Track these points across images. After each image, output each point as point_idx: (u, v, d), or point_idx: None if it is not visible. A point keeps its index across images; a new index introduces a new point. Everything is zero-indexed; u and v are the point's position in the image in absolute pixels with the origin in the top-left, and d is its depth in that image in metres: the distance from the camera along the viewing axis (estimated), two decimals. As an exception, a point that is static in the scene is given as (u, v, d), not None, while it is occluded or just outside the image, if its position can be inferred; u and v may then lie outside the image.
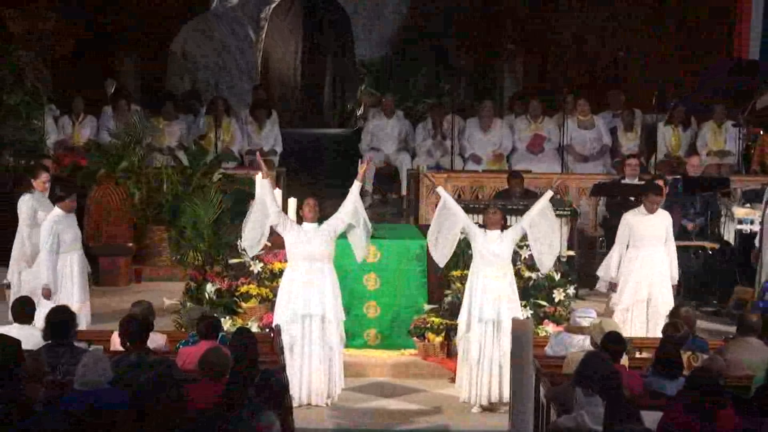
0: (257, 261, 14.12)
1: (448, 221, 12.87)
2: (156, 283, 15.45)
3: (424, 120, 19.77)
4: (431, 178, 17.09)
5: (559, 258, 14.79)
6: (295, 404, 11.84)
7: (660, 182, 15.72)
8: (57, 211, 13.26)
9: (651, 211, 13.92)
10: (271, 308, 13.28)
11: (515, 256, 14.42)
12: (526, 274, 14.25)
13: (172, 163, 17.61)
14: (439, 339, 13.71)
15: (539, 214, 12.94)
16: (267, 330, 13.09)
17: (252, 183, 15.66)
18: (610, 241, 16.54)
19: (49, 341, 10.55)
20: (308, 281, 12.55)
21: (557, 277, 14.39)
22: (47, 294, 12.86)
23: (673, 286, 13.94)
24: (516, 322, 11.63)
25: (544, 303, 13.99)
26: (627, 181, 16.99)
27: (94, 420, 8.81)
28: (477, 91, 21.80)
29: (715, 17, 21.30)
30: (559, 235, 13.09)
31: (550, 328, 13.67)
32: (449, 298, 13.91)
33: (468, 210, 16.05)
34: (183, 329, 13.23)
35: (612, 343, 10.65)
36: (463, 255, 14.22)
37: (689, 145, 19.33)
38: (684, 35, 21.81)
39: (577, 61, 22.35)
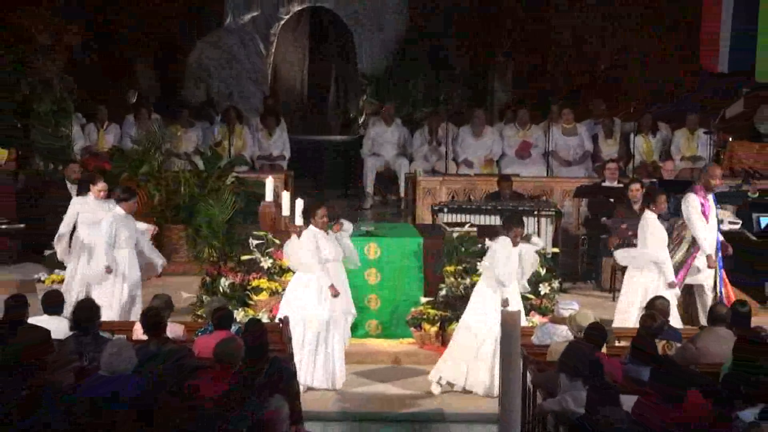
0: (267, 257, 14.14)
1: None
2: (174, 277, 15.45)
3: (421, 127, 19.78)
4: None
5: (544, 254, 14.82)
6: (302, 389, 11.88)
7: (638, 185, 15.77)
8: (119, 210, 13.36)
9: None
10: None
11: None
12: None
13: (188, 168, 17.62)
14: (434, 329, 13.73)
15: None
16: (276, 321, 13.11)
17: (261, 185, 15.70)
18: (591, 240, 16.60)
19: (76, 331, 10.60)
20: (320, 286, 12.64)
21: (543, 271, 14.41)
22: (109, 271, 13.00)
23: None
24: (505, 314, 11.65)
25: (531, 296, 14.01)
26: (607, 184, 17.04)
27: (116, 405, 8.84)
28: (470, 100, 21.81)
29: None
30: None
31: (536, 318, 13.69)
32: (443, 292, 13.93)
33: (461, 211, 16.15)
34: (203, 319, 13.26)
35: (593, 332, 10.69)
36: (456, 252, 14.24)
37: (665, 151, 19.36)
38: (683, 35, 21.80)
39: (576, 60, 22.33)
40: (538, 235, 15.57)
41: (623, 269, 14.98)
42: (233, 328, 11.15)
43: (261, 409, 8.77)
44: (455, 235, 14.57)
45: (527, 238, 12.77)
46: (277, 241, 14.32)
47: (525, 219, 15.79)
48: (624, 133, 19.48)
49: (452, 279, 14.03)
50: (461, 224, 15.31)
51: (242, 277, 14.05)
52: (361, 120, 22.18)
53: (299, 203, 14.42)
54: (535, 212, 15.95)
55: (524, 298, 13.91)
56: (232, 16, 22.15)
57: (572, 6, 22.20)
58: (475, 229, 15.15)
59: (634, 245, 15.34)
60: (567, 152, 19.28)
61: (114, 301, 13.17)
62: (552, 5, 22.22)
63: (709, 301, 13.56)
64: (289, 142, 19.94)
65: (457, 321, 12.98)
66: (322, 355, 12.65)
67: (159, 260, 13.90)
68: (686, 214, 13.56)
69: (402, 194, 19.17)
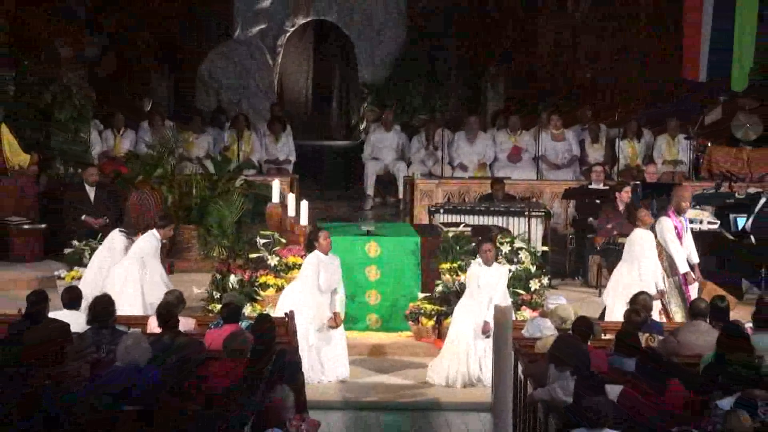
0: (274, 255, 14.12)
1: None
2: (186, 274, 15.42)
3: (418, 133, 19.76)
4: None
5: (534, 252, 14.79)
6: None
7: (629, 188, 15.78)
8: (156, 234, 13.37)
9: None
10: None
11: (497, 251, 14.43)
12: (506, 266, 14.23)
13: (200, 171, 17.59)
14: (431, 323, 13.71)
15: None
16: (282, 315, 13.08)
17: (268, 188, 15.67)
18: (578, 239, 16.58)
19: (93, 325, 10.57)
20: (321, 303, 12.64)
21: (533, 269, 14.39)
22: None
23: None
24: (497, 309, 11.62)
25: (521, 291, 13.98)
26: (593, 186, 17.02)
27: (132, 395, 8.82)
28: (465, 108, 21.78)
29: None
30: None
31: (527, 313, 13.66)
32: (440, 288, 13.91)
33: (456, 211, 16.13)
34: (213, 314, 13.23)
35: (581, 326, 10.67)
36: (451, 250, 14.22)
37: (647, 155, 19.35)
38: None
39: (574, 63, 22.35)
40: (529, 234, 15.57)
41: (608, 267, 14.97)
42: (244, 323, 11.12)
43: (268, 399, 8.75)
44: (450, 234, 14.54)
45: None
46: (283, 240, 14.30)
47: (516, 219, 15.86)
48: (609, 139, 19.47)
49: (448, 276, 14.01)
50: (456, 224, 15.28)
51: (250, 274, 14.03)
52: (362, 126, 22.15)
53: (304, 205, 14.41)
54: (526, 213, 15.92)
55: (515, 294, 13.90)
56: (240, 29, 22.12)
57: (563, 6, 22.20)
58: (469, 229, 15.12)
59: (619, 244, 15.37)
60: (556, 156, 19.26)
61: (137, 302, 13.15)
62: (546, 6, 22.21)
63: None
64: (294, 147, 19.91)
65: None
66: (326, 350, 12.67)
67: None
68: (660, 236, 13.48)
69: (400, 196, 19.14)
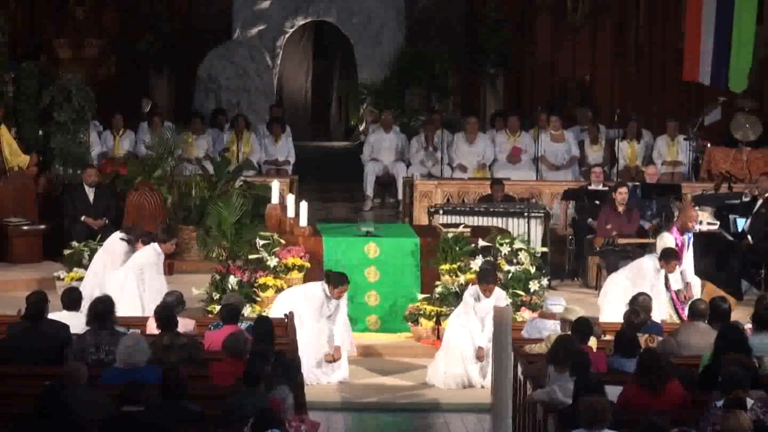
0: (273, 256, 14.12)
1: None
2: (186, 275, 15.42)
3: (417, 134, 19.75)
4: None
5: (534, 253, 14.80)
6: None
7: (625, 188, 15.79)
8: (157, 248, 13.36)
9: None
10: None
11: (496, 252, 14.45)
12: (506, 267, 14.25)
13: (199, 172, 17.59)
14: (430, 324, 13.70)
15: None
16: (282, 316, 13.08)
17: (268, 189, 15.66)
18: (578, 239, 16.59)
19: (93, 326, 10.57)
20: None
21: (533, 270, 14.39)
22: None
23: None
24: (497, 310, 11.61)
25: (521, 293, 13.98)
26: (593, 187, 17.03)
27: (132, 394, 8.82)
28: (463, 109, 21.77)
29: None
30: None
31: (526, 314, 13.67)
32: (439, 289, 13.90)
33: (456, 212, 16.13)
34: (213, 315, 13.23)
35: (580, 327, 10.68)
36: (451, 251, 14.21)
37: (647, 156, 19.36)
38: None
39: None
40: (528, 234, 15.58)
41: (608, 268, 14.98)
42: (243, 325, 11.13)
43: (267, 399, 8.76)
44: (450, 235, 14.53)
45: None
46: (283, 241, 14.30)
47: (515, 220, 15.87)
48: (609, 140, 19.48)
49: (447, 277, 14.01)
50: (456, 225, 15.28)
51: (249, 275, 14.03)
52: (361, 127, 22.13)
53: (304, 205, 14.41)
54: (525, 214, 15.93)
55: (515, 294, 13.91)
56: (240, 30, 22.11)
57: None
58: (468, 229, 15.12)
59: (618, 245, 15.38)
60: (555, 157, 19.26)
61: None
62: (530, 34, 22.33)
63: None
64: (293, 148, 19.91)
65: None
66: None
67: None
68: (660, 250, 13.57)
69: (400, 197, 19.13)
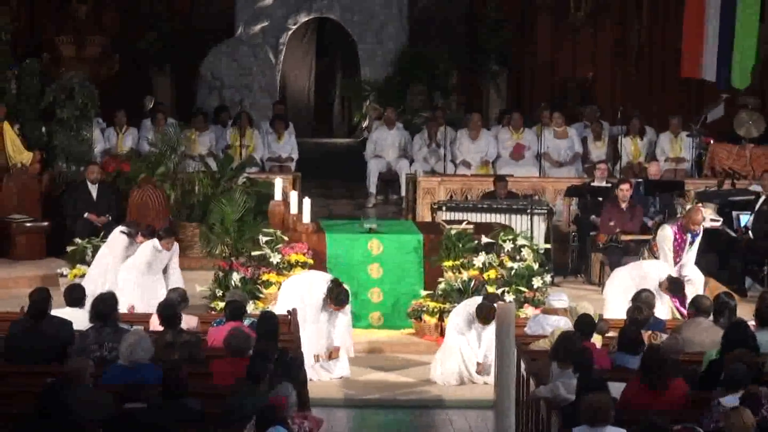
0: (276, 253, 14.11)
1: None
2: (189, 272, 15.39)
3: (420, 131, 19.73)
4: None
5: (537, 250, 14.79)
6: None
7: (627, 185, 15.77)
8: (157, 244, 13.48)
9: None
10: None
11: (499, 248, 14.43)
12: (509, 264, 14.23)
13: (202, 169, 17.58)
14: (433, 320, 13.70)
15: None
16: (285, 312, 13.08)
17: (271, 185, 15.66)
18: (581, 236, 16.57)
19: (96, 323, 10.56)
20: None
21: (536, 267, 14.38)
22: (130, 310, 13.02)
23: None
24: (500, 306, 11.62)
25: (524, 289, 13.97)
26: (596, 183, 17.00)
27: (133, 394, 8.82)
28: (466, 106, 21.74)
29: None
30: None
31: (529, 311, 13.66)
32: (442, 285, 13.89)
33: (459, 209, 16.12)
34: (216, 312, 13.24)
35: (583, 324, 10.67)
36: (454, 248, 14.20)
37: (650, 152, 19.34)
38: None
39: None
40: (531, 231, 15.55)
41: (611, 265, 14.96)
42: (247, 321, 11.12)
43: (271, 396, 8.75)
44: (453, 232, 14.52)
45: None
46: (286, 238, 14.29)
47: (518, 216, 15.86)
48: (612, 136, 19.47)
49: (450, 273, 14.00)
50: (459, 222, 15.27)
51: (253, 272, 14.02)
52: (364, 124, 22.11)
53: (307, 202, 14.40)
54: (528, 210, 15.91)
55: (518, 291, 13.90)
56: (243, 27, 22.10)
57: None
58: (472, 226, 15.11)
59: (622, 242, 15.37)
60: (558, 154, 19.24)
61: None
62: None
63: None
64: (296, 144, 19.90)
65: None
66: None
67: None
68: (659, 244, 13.70)
69: (403, 194, 19.11)
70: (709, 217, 15.14)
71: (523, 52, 22.41)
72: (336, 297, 12.57)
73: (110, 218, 16.34)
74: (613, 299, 13.36)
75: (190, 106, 21.18)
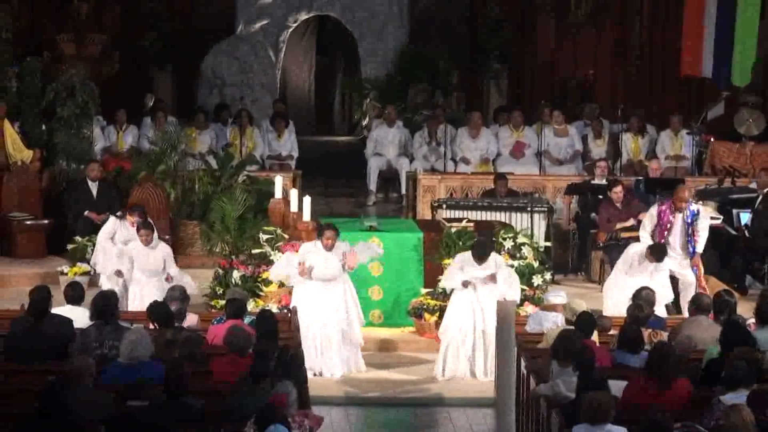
0: (277, 251, 14.10)
1: None
2: (189, 270, 15.39)
3: (421, 129, 19.72)
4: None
5: (537, 248, 14.78)
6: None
7: (619, 186, 15.78)
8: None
9: None
10: (289, 293, 13.28)
11: (499, 247, 14.42)
12: (509, 262, 14.22)
13: (203, 167, 17.58)
14: (433, 318, 13.68)
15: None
16: (285, 310, 13.09)
17: (271, 183, 15.66)
18: (582, 234, 16.56)
19: (96, 320, 10.55)
20: (323, 298, 12.62)
21: (536, 264, 14.38)
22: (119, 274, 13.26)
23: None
24: (500, 304, 11.62)
25: (524, 287, 13.95)
26: (596, 181, 16.98)
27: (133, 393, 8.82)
28: (467, 105, 21.74)
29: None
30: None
31: (530, 308, 13.65)
32: (442, 283, 13.87)
33: (459, 207, 16.11)
34: (217, 310, 13.23)
35: (583, 321, 10.66)
36: (454, 246, 14.20)
37: (650, 150, 19.34)
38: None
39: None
40: (531, 229, 15.55)
41: (611, 263, 14.95)
42: (247, 319, 11.11)
43: (271, 395, 8.74)
44: (453, 230, 14.51)
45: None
46: (286, 236, 14.29)
47: (518, 214, 15.84)
48: (612, 134, 19.46)
49: (450, 271, 13.97)
50: (459, 220, 15.26)
51: (253, 270, 14.02)
52: (364, 122, 22.10)
53: (307, 200, 14.40)
54: (529, 208, 15.90)
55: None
56: (243, 25, 22.09)
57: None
58: (472, 224, 15.11)
59: (622, 239, 15.35)
60: (558, 152, 19.23)
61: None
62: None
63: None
64: (297, 142, 19.89)
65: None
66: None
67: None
68: (643, 219, 14.10)
69: (403, 192, 19.11)
70: (709, 215, 15.14)
71: (523, 52, 22.40)
72: (321, 228, 12.75)
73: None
74: (610, 298, 13.43)
75: (190, 104, 21.17)
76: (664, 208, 13.97)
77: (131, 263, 13.31)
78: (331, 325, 12.63)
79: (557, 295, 12.08)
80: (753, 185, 16.91)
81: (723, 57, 18.57)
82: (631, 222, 15.38)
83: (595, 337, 10.82)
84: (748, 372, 8.93)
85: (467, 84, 22.16)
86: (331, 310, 12.64)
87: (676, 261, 13.86)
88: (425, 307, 13.75)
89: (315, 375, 12.41)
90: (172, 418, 8.45)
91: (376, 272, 14.12)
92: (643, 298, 11.51)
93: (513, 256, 14.31)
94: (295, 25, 22.47)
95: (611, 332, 11.44)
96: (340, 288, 12.74)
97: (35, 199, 16.85)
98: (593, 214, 16.28)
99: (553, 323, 11.53)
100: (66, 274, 15.08)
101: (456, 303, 12.71)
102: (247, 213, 15.26)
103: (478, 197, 17.13)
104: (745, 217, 15.99)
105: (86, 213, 16.41)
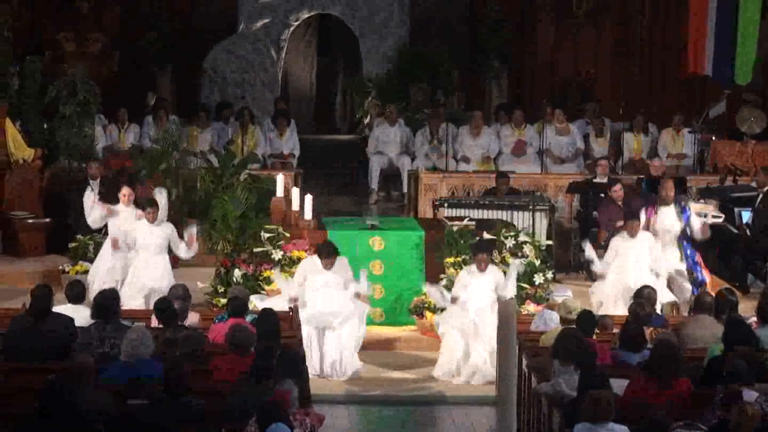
0: (278, 249, 14.10)
1: None
2: (191, 268, 15.39)
3: (422, 127, 19.72)
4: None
5: (538, 246, 14.77)
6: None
7: (618, 185, 15.77)
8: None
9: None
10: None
11: (501, 245, 14.42)
12: (510, 260, 14.21)
13: (204, 165, 17.57)
14: (435, 317, 13.67)
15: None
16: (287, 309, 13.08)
17: (273, 182, 15.64)
18: (583, 232, 16.55)
19: (98, 319, 10.55)
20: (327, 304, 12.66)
21: (537, 263, 14.37)
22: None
23: None
24: (501, 303, 11.62)
25: (525, 285, 13.96)
26: (598, 180, 16.97)
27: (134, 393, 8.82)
28: (468, 105, 21.73)
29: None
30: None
31: (531, 307, 13.65)
32: (444, 282, 13.87)
33: (461, 206, 16.11)
34: (218, 308, 13.23)
35: (584, 320, 10.65)
36: (455, 244, 14.19)
37: (651, 148, 19.34)
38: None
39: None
40: (533, 228, 15.54)
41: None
42: (249, 318, 11.11)
43: (272, 393, 8.74)
44: (455, 228, 14.51)
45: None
46: (288, 235, 14.28)
47: (520, 213, 15.83)
48: (614, 132, 19.45)
49: (452, 270, 13.98)
50: (460, 218, 15.26)
51: (254, 268, 14.01)
52: (366, 121, 22.10)
53: (308, 199, 14.39)
54: (530, 207, 15.89)
55: (519, 287, 13.88)
56: (244, 23, 22.09)
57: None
58: (473, 223, 15.10)
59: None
60: (560, 150, 19.23)
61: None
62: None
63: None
64: (298, 141, 19.89)
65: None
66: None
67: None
68: None
69: (405, 190, 19.11)
70: (711, 213, 15.14)
71: (524, 51, 22.38)
72: (324, 250, 12.67)
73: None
74: (602, 294, 13.50)
75: (191, 103, 21.17)
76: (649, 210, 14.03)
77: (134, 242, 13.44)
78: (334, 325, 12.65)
79: (563, 294, 12.08)
80: (755, 184, 16.91)
81: (725, 55, 18.57)
82: None
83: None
84: (750, 371, 8.93)
85: (467, 84, 22.15)
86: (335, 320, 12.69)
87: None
88: (427, 305, 13.75)
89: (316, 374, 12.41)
90: (172, 417, 8.45)
91: (378, 271, 14.12)
92: (644, 297, 11.51)
93: (514, 255, 14.30)
94: (297, 23, 22.47)
95: (613, 331, 11.43)
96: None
97: (36, 198, 16.85)
98: (595, 213, 16.28)
99: (557, 322, 11.52)
100: (67, 272, 15.07)
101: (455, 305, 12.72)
102: (248, 211, 15.25)
103: (479, 196, 17.12)
104: (747, 215, 15.98)
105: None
